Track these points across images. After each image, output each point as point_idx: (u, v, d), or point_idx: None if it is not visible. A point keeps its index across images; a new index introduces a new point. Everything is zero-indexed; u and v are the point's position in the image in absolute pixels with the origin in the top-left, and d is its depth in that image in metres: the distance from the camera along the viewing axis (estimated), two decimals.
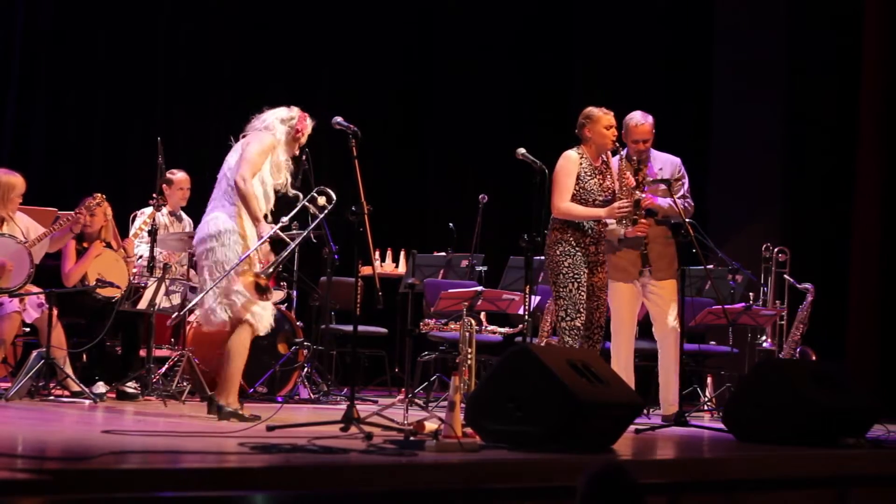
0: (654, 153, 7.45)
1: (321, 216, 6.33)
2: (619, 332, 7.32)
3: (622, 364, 7.20)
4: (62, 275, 7.67)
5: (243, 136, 6.37)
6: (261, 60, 11.05)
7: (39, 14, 10.09)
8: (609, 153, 7.06)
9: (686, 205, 7.38)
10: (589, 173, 6.94)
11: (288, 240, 6.33)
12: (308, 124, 6.40)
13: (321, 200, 6.17)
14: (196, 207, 8.84)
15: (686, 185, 7.46)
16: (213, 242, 6.17)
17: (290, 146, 6.37)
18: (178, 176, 8.59)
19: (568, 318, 6.79)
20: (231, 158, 6.34)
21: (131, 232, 8.12)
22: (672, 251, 7.33)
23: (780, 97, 10.93)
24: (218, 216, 6.24)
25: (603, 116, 6.96)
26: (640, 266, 7.19)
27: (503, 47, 12.14)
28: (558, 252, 6.85)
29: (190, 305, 6.37)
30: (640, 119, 7.34)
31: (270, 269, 6.01)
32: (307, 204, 6.31)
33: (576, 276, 6.82)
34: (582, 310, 6.81)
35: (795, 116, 10.84)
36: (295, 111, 6.38)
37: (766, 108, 10.98)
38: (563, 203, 6.86)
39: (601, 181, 6.97)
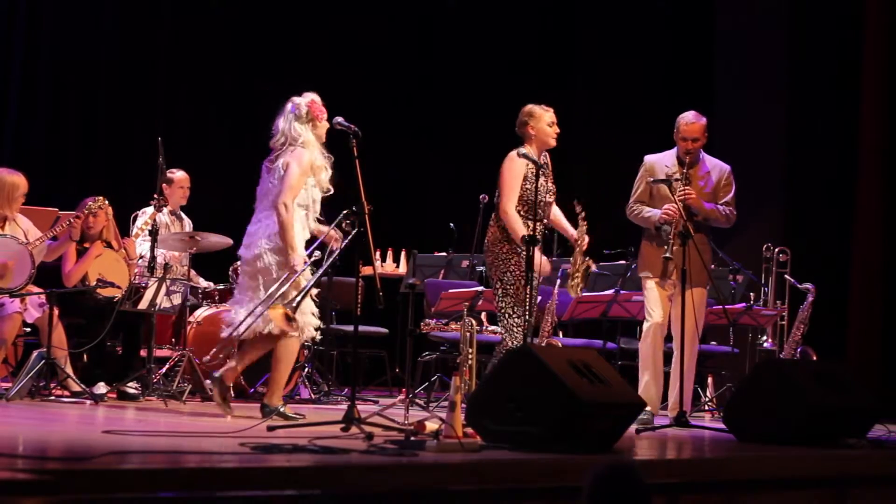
0: (707, 157, 7.41)
1: (346, 241, 6.41)
2: (647, 332, 7.29)
3: (657, 368, 7.21)
4: (62, 275, 7.67)
5: (277, 156, 6.38)
6: (261, 60, 11.05)
7: (41, 14, 10.08)
8: (548, 154, 7.04)
9: (728, 212, 7.35)
10: (534, 173, 6.93)
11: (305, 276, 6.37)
12: (318, 101, 6.45)
13: (346, 225, 6.26)
14: (196, 207, 8.85)
15: (731, 194, 7.41)
16: (258, 249, 6.28)
17: (318, 137, 6.42)
18: (179, 175, 8.61)
19: (515, 316, 6.77)
20: (273, 179, 6.35)
21: (132, 232, 8.11)
22: (705, 258, 7.20)
23: (781, 97, 10.93)
24: (268, 226, 6.30)
25: (544, 113, 6.97)
26: (660, 268, 7.17)
27: (504, 48, 12.13)
28: (505, 250, 6.82)
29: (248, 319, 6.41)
30: (691, 118, 7.29)
31: (294, 304, 6.09)
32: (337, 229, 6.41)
33: (523, 273, 6.83)
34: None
35: (796, 116, 10.84)
36: (301, 104, 6.39)
37: (767, 109, 10.99)
38: (511, 209, 6.81)
39: (544, 181, 6.95)
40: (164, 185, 8.21)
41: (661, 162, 7.32)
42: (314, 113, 6.38)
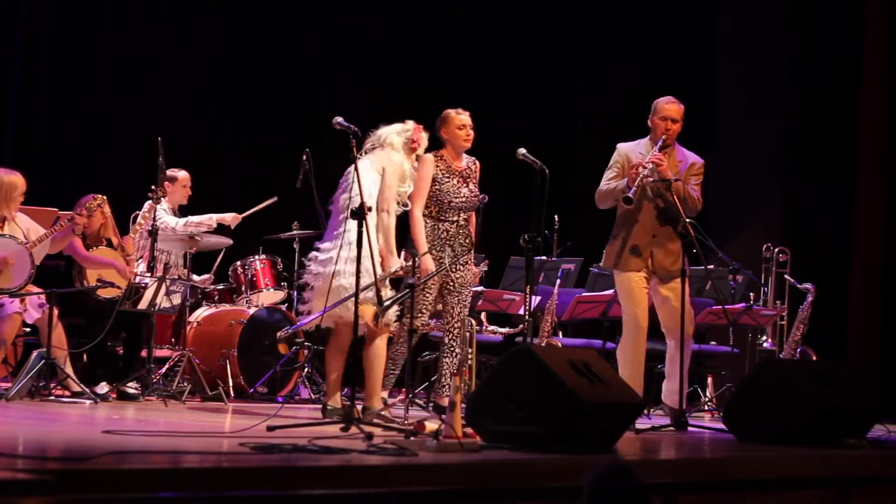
0: (682, 148, 7.22)
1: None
2: (628, 330, 7.09)
3: (630, 367, 7.03)
4: (79, 256, 7.64)
5: (364, 154, 6.49)
6: (262, 59, 11.05)
7: (41, 13, 10.08)
8: (477, 162, 7.07)
9: (696, 196, 7.09)
10: (445, 175, 6.94)
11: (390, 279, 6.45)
12: (423, 136, 6.68)
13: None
14: (195, 207, 8.85)
15: (699, 181, 7.26)
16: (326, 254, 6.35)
17: (408, 156, 6.61)
18: (182, 174, 8.64)
19: (420, 316, 6.78)
20: (359, 184, 6.34)
21: (132, 229, 8.10)
22: (677, 248, 7.00)
23: (781, 97, 10.94)
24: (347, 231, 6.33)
25: (455, 117, 7.04)
26: (647, 258, 7.06)
27: (504, 48, 12.13)
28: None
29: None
30: (671, 99, 7.19)
31: (388, 305, 6.15)
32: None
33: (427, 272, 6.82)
34: (425, 310, 6.82)
35: (796, 116, 10.85)
36: (410, 123, 6.66)
37: (767, 109, 11.00)
38: (416, 212, 6.86)
39: (460, 184, 6.95)
40: (166, 182, 8.22)
41: (636, 149, 7.14)
42: (414, 135, 6.62)
